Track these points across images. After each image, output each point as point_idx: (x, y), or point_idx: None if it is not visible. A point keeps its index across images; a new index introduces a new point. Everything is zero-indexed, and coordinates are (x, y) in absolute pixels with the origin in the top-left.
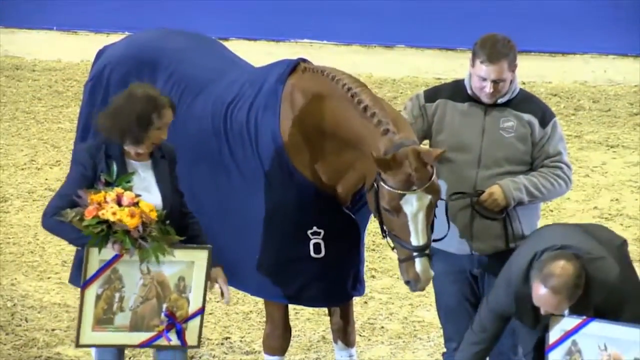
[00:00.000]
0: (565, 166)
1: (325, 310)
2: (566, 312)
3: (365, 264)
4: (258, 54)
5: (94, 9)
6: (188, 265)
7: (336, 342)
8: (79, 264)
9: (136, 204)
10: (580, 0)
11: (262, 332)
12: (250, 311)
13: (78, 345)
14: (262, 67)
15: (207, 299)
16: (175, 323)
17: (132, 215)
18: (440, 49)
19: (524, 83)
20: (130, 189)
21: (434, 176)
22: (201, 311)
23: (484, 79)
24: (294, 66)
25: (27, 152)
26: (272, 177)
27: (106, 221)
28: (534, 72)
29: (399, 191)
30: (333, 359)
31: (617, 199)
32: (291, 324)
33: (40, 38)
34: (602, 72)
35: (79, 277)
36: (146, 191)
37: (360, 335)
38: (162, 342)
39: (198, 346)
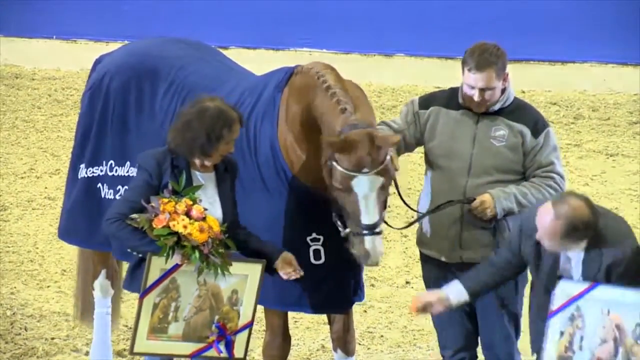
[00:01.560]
0: (557, 176)
1: (325, 318)
2: (577, 278)
3: (365, 272)
4: (257, 62)
5: (93, 18)
6: (242, 278)
7: (336, 350)
8: (133, 270)
9: (204, 219)
10: (580, 9)
11: (261, 341)
12: None
13: (132, 352)
14: (262, 76)
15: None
16: (226, 335)
17: (201, 231)
18: (440, 58)
19: (523, 92)
20: (196, 200)
21: (387, 159)
22: (250, 324)
23: (472, 87)
24: (291, 73)
25: (26, 161)
26: (271, 184)
27: (176, 232)
28: (534, 80)
29: (350, 172)
30: None
31: (616, 208)
32: (290, 332)
33: (39, 47)
34: (601, 80)
35: (133, 283)
36: (209, 204)
37: (360, 344)
38: (212, 353)
39: (244, 359)
